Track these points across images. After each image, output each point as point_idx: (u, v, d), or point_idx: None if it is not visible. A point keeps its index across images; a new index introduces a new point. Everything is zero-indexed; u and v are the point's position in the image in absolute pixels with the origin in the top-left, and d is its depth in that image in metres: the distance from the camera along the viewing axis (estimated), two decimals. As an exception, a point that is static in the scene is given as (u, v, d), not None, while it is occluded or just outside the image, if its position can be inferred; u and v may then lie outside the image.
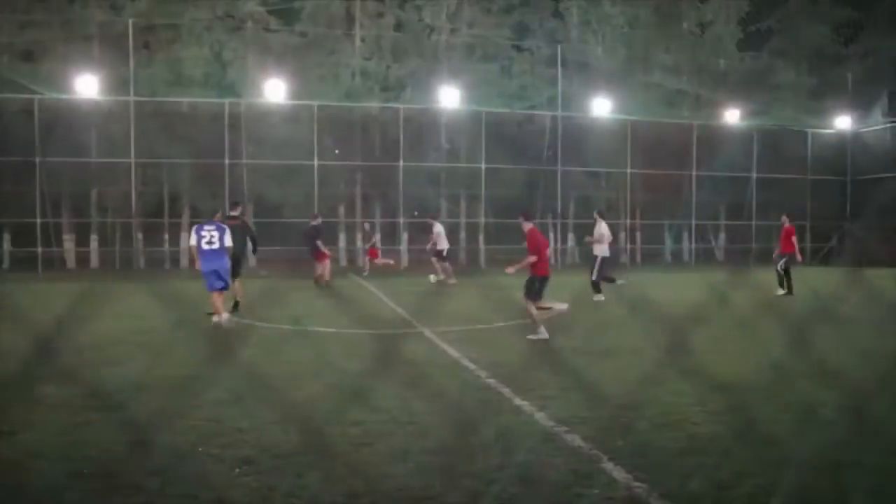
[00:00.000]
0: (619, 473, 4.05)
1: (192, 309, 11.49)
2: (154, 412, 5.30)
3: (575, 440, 4.67)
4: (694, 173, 26.41)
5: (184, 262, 24.81)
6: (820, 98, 28.29)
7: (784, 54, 29.05)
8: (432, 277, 17.39)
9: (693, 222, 27.23)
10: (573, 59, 26.70)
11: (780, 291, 14.17)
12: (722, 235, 29.61)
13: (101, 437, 4.67)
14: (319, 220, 16.66)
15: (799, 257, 14.63)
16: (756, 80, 28.29)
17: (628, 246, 28.08)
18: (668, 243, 28.92)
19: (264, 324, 10.20)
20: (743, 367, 7.01)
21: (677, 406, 5.47)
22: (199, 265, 9.89)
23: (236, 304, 11.17)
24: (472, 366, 7.13)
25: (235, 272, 10.84)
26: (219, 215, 10.75)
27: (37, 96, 22.18)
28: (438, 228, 17.51)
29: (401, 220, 24.87)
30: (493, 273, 21.15)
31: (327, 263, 16.31)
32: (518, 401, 5.71)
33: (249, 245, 12.22)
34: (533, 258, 8.76)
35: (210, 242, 9.83)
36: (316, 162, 23.13)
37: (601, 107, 25.09)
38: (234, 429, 4.84)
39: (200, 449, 4.41)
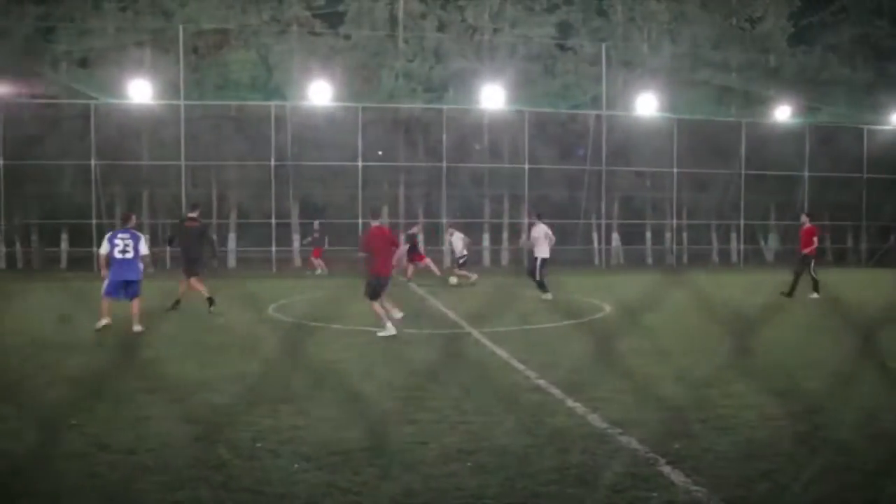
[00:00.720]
0: (677, 477, 3.99)
1: (245, 307, 11.75)
2: (212, 408, 5.43)
3: (630, 442, 4.62)
4: (743, 172, 25.80)
5: (231, 261, 25.36)
6: (876, 93, 27.29)
7: (838, 49, 28.13)
8: (453, 279, 17.10)
9: (742, 222, 26.60)
10: (618, 58, 26.37)
11: (814, 295, 13.66)
12: (772, 236, 28.85)
13: (164, 432, 4.80)
14: (415, 229, 18.53)
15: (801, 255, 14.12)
16: (808, 75, 27.47)
17: (674, 247, 27.58)
18: (716, 244, 28.33)
19: (314, 323, 10.35)
20: (801, 371, 6.82)
21: (733, 409, 5.36)
22: (105, 274, 9.33)
23: (177, 302, 11.09)
24: (521, 366, 7.11)
25: (192, 271, 11.06)
26: (133, 221, 9.96)
27: (93, 101, 22.93)
28: (459, 235, 17.70)
29: (444, 221, 24.92)
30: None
31: (421, 265, 17.69)
32: (570, 402, 5.67)
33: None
34: (362, 254, 9.23)
35: (124, 251, 9.29)
36: (360, 163, 23.36)
37: (647, 105, 24.71)
38: (291, 426, 4.93)
39: (259, 445, 4.50)
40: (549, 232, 13.75)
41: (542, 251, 13.45)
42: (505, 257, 26.74)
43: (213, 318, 10.73)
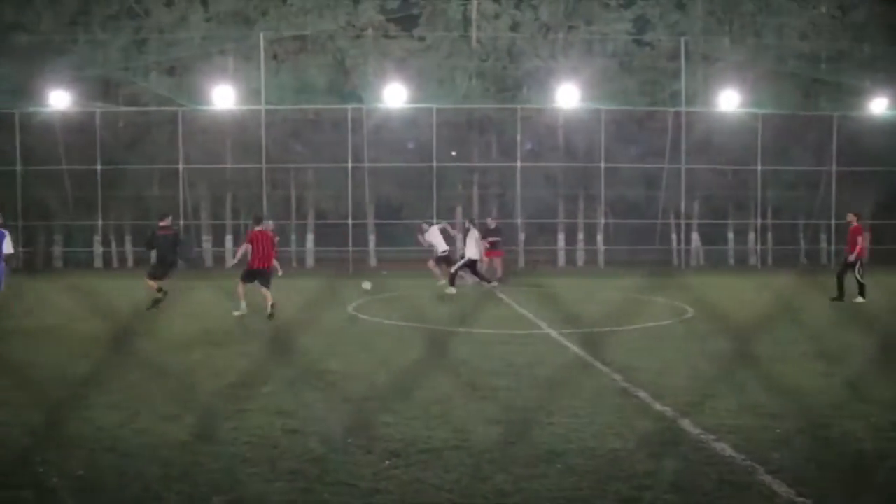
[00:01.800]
0: (779, 487, 3.83)
1: (325, 306, 12.03)
2: (301, 404, 5.58)
3: (725, 449, 4.46)
4: (834, 168, 24.50)
5: (309, 261, 26.05)
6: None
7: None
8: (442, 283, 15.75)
9: (833, 222, 25.23)
10: (697, 52, 25.54)
11: (860, 299, 12.78)
12: (865, 235, 27.21)
13: (257, 425, 4.97)
14: (495, 224, 18.35)
15: (850, 259, 13.15)
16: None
17: (759, 247, 26.46)
18: (803, 245, 27.00)
19: (392, 322, 10.49)
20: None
21: (836, 419, 5.09)
22: None
23: (156, 301, 11.54)
24: (605, 369, 6.98)
25: (166, 273, 11.82)
26: None
27: (180, 108, 24.06)
28: (435, 231, 16.45)
29: (518, 221, 24.81)
30: (613, 275, 20.65)
31: (499, 262, 17.57)
32: (658, 406, 5.53)
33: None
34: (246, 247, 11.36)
35: None
36: (434, 164, 23.55)
37: (729, 100, 23.83)
38: (380, 422, 5.01)
39: (350, 440, 4.59)
40: (479, 236, 15.40)
41: (473, 252, 14.95)
42: (580, 258, 26.37)
43: (294, 317, 11.03)
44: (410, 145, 24.78)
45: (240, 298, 11.08)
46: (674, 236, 26.00)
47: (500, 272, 17.44)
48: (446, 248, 16.27)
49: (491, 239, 18.50)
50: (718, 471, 4.09)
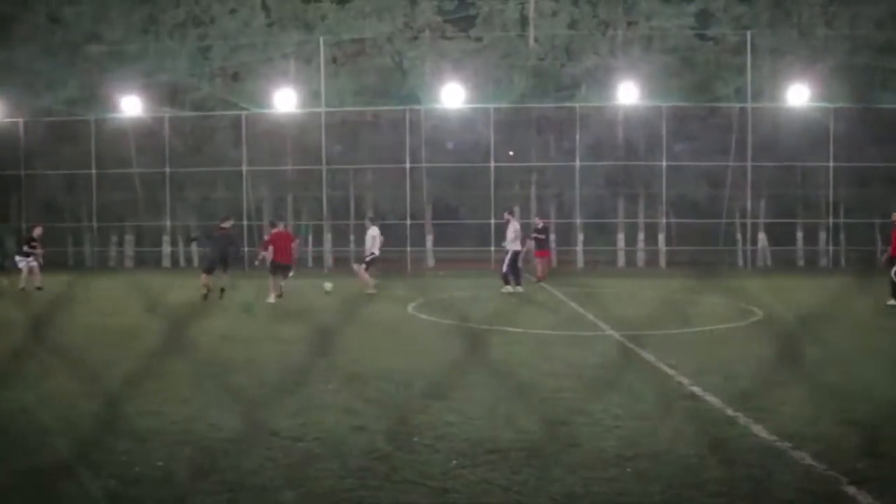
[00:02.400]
0: (865, 499, 3.65)
1: (386, 305, 12.16)
2: (367, 401, 5.64)
3: (804, 458, 4.28)
4: (914, 164, 23.25)
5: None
6: None
7: None
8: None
9: (911, 220, 23.94)
10: (764, 45, 24.65)
11: (892, 301, 12.01)
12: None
13: (325, 421, 5.05)
14: (542, 224, 18.35)
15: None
16: None
17: (830, 248, 25.36)
18: (880, 245, 25.70)
19: (452, 322, 10.52)
20: None
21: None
22: None
23: (222, 291, 13.24)
24: (671, 371, 6.82)
25: (219, 269, 13.38)
26: None
27: (244, 112, 24.74)
28: (374, 232, 15.19)
29: (577, 221, 24.51)
30: (675, 276, 20.16)
31: (545, 261, 17.59)
32: (730, 411, 5.36)
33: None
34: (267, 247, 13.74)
35: None
36: (492, 164, 23.50)
37: (797, 95, 22.93)
38: (444, 422, 5.02)
39: (416, 439, 4.62)
40: (518, 227, 15.31)
41: (513, 244, 14.76)
42: (641, 258, 25.84)
43: (355, 314, 11.18)
44: (466, 146, 24.76)
45: (270, 290, 13.18)
46: (739, 236, 25.20)
47: (541, 272, 17.35)
48: (374, 252, 14.98)
49: (536, 237, 18.37)
50: (798, 480, 3.93)
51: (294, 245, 14.34)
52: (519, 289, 14.56)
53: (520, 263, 14.92)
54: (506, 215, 15.64)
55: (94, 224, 25.40)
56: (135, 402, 5.47)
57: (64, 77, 24.70)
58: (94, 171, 24.69)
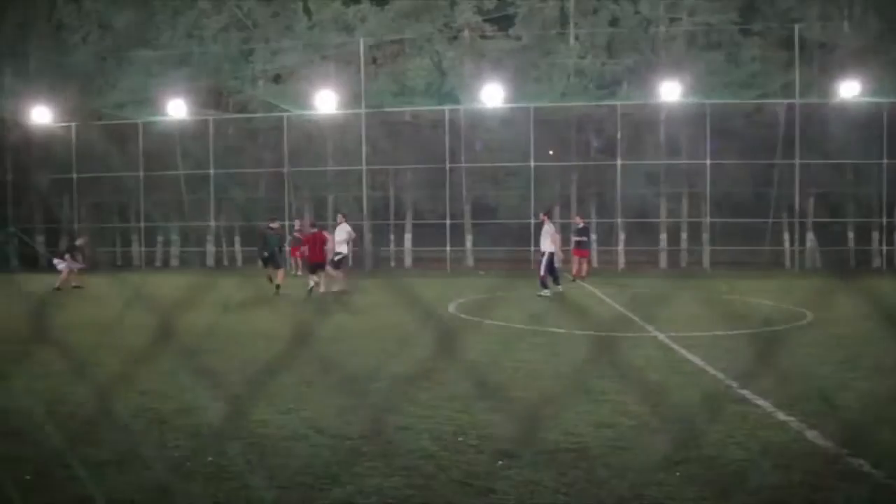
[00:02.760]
0: (930, 508, 3.51)
1: (430, 304, 12.16)
2: (410, 400, 5.65)
3: (862, 465, 4.14)
4: (973, 161, 22.32)
5: (408, 261, 26.51)
6: None
7: None
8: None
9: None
10: (812, 39, 23.93)
11: None
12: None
13: (371, 420, 5.08)
14: (582, 223, 18.34)
15: None
16: None
17: (883, 248, 24.49)
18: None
19: (493, 322, 10.48)
20: None
21: None
22: None
23: (277, 287, 14.27)
24: (719, 374, 6.67)
25: (276, 265, 14.73)
26: None
27: (285, 114, 25.09)
28: (346, 228, 14.92)
29: (618, 221, 24.18)
30: (720, 276, 19.74)
31: (584, 261, 17.63)
32: (782, 416, 5.22)
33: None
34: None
35: None
36: (532, 163, 23.36)
37: (849, 90, 22.19)
38: (487, 421, 5.00)
39: (461, 439, 4.61)
40: (554, 230, 14.91)
41: (548, 246, 14.43)
42: (684, 258, 25.37)
43: (393, 315, 11.22)
44: (507, 145, 24.65)
45: (308, 285, 14.11)
46: (786, 236, 24.51)
47: (584, 272, 17.19)
48: (342, 252, 14.74)
49: (577, 239, 18.18)
50: (856, 488, 3.81)
51: (327, 246, 14.70)
52: (558, 288, 14.40)
53: (557, 263, 14.71)
54: (541, 215, 15.40)
55: (142, 224, 26.07)
56: (183, 398, 5.59)
57: (113, 81, 25.42)
58: (141, 173, 25.34)
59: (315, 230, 15.23)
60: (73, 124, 25.59)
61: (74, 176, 25.41)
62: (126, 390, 5.90)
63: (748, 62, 24.70)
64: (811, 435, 4.75)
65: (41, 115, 24.92)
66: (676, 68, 23.10)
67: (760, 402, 5.63)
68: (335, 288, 14.35)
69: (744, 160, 23.31)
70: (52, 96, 24.65)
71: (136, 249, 26.93)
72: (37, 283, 15.86)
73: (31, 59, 25.77)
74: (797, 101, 22.66)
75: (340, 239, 14.73)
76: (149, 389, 5.89)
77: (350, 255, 16.42)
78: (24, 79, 24.90)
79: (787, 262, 24.23)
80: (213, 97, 27.06)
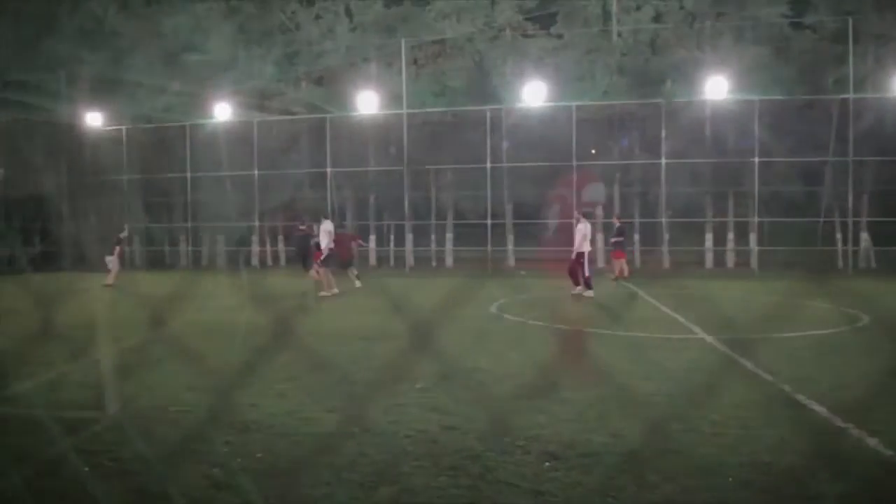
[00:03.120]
0: None
1: (468, 305, 12.14)
2: (456, 400, 5.64)
3: (927, 475, 3.97)
4: None
5: (449, 261, 26.54)
6: None
7: None
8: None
9: None
10: (867, 32, 23.10)
11: None
12: None
13: (416, 419, 5.09)
14: (619, 223, 18.10)
15: None
16: None
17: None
18: None
19: (537, 322, 10.40)
20: None
21: None
22: None
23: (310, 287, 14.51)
24: (770, 378, 6.47)
25: (307, 265, 15.09)
26: None
27: (328, 115, 25.39)
28: (328, 227, 14.91)
29: (663, 220, 23.76)
30: (768, 277, 19.23)
31: (623, 262, 17.53)
32: (839, 422, 5.04)
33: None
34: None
35: None
36: (574, 163, 23.12)
37: (906, 84, 21.37)
38: (533, 423, 4.95)
39: (507, 439, 4.58)
40: (588, 230, 14.62)
41: (581, 246, 14.24)
42: (730, 259, 24.79)
43: (440, 314, 11.22)
44: (548, 144, 24.44)
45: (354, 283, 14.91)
46: (839, 236, 23.74)
47: (626, 272, 16.99)
48: (329, 247, 14.73)
49: (614, 239, 17.89)
50: (922, 498, 3.65)
51: (354, 244, 16.21)
52: (579, 289, 14.18)
53: (586, 263, 14.37)
54: (576, 214, 15.12)
55: (189, 224, 26.70)
56: (233, 394, 5.68)
57: (162, 85, 26.10)
58: (188, 175, 25.94)
59: (304, 227, 15.58)
60: (123, 128, 26.37)
61: (125, 178, 26.17)
62: (181, 386, 6.03)
63: (798, 56, 23.98)
64: (872, 443, 4.56)
65: (94, 119, 25.78)
66: (723, 64, 22.58)
67: (816, 406, 5.45)
68: (327, 292, 14.40)
69: (794, 158, 22.64)
70: (105, 101, 25.46)
71: (184, 249, 27.59)
72: (87, 281, 16.34)
73: (84, 66, 26.63)
74: (851, 95, 21.92)
75: (325, 238, 14.80)
76: (196, 386, 6.00)
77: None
78: (77, 85, 25.76)
79: (840, 263, 23.46)
80: (258, 99, 27.54)
